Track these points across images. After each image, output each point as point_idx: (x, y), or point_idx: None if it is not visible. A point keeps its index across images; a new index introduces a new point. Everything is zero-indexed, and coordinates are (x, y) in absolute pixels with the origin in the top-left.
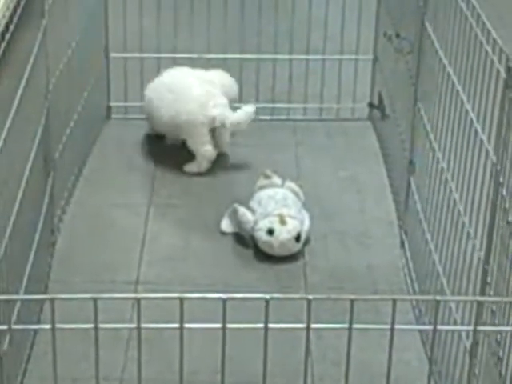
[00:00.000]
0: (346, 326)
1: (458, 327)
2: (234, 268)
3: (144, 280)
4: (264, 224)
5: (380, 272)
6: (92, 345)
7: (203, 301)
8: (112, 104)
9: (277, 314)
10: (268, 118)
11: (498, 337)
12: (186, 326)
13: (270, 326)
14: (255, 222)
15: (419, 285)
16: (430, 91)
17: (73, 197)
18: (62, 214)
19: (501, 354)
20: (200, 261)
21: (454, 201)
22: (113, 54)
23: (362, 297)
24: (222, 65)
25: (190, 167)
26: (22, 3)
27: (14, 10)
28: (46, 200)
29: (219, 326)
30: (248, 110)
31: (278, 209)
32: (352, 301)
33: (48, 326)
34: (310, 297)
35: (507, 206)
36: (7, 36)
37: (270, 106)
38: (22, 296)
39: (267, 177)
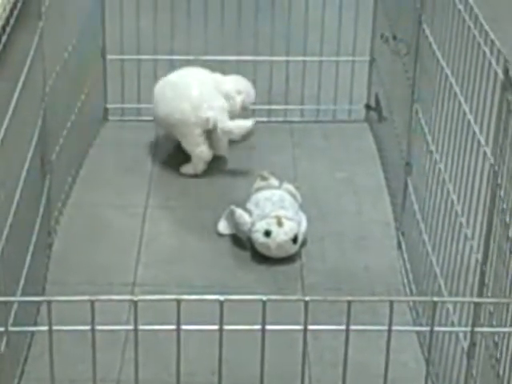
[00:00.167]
0: (343, 327)
1: (456, 328)
2: (231, 270)
3: (141, 282)
4: (261, 226)
5: (377, 273)
6: (89, 346)
7: (200, 302)
8: (109, 106)
9: (274, 315)
10: (265, 119)
11: (496, 338)
12: (183, 327)
13: (267, 327)
14: (252, 224)
15: (416, 286)
16: (428, 93)
17: (70, 198)
18: (59, 216)
19: (498, 355)
20: (197, 262)
21: (452, 202)
22: (110, 56)
23: (359, 298)
24: (218, 67)
25: (186, 169)
26: (19, 5)
27: (11, 11)
28: (43, 202)
29: (216, 327)
30: (245, 123)
31: (275, 210)
32: (349, 302)
33: (45, 328)
34: (307, 298)
35: (505, 207)
36: (4, 38)
37: (267, 107)
38: (18, 298)
39: (264, 178)
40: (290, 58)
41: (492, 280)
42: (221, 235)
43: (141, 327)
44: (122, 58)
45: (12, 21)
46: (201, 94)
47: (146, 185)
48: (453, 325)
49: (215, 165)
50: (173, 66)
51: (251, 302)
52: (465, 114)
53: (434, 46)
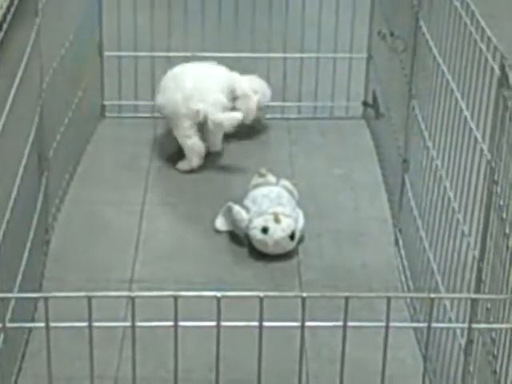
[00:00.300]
0: (341, 323)
1: (453, 325)
2: (229, 266)
3: (138, 278)
4: (258, 222)
5: (374, 270)
6: (86, 343)
7: (198, 299)
8: (106, 103)
9: (271, 312)
10: None
11: (493, 334)
12: (181, 324)
13: (265, 324)
14: (250, 221)
15: (414, 282)
16: (425, 89)
17: (67, 195)
18: (57, 213)
19: (495, 351)
20: (195, 259)
21: (449, 198)
22: (107, 53)
23: (357, 294)
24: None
25: (182, 165)
26: (16, 2)
27: (8, 8)
28: (40, 198)
29: (214, 324)
30: (235, 115)
31: (272, 207)
32: (347, 298)
33: (42, 325)
34: (305, 295)
35: (502, 203)
36: (1, 35)
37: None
38: (15, 294)
39: (262, 175)
40: (288, 55)
41: (489, 276)
42: (218, 232)
43: (138, 324)
44: (120, 55)
45: (9, 17)
46: (194, 87)
47: (143, 181)
48: (450, 321)
49: (212, 161)
50: (170, 63)
51: (248, 298)
52: (461, 110)
53: (431, 43)
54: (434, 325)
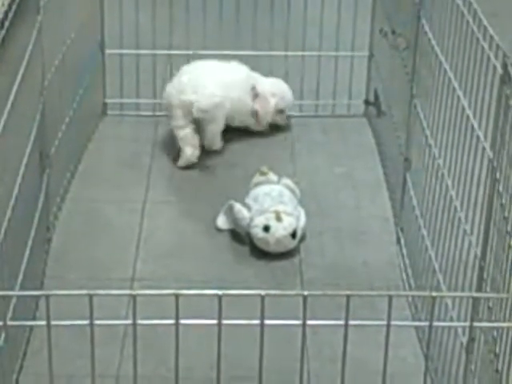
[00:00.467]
0: (342, 322)
1: (454, 323)
2: (230, 265)
3: (140, 277)
4: (260, 221)
5: (376, 268)
6: (88, 342)
7: (199, 297)
8: (108, 101)
9: (273, 310)
10: None
11: (495, 333)
12: (182, 322)
13: (266, 322)
14: (251, 219)
15: (415, 281)
16: (427, 88)
17: (68, 193)
18: (58, 211)
19: (497, 350)
20: (196, 257)
21: (451, 197)
22: (108, 51)
23: (358, 293)
24: None
25: (180, 161)
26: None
27: (9, 6)
28: (42, 197)
29: (215, 322)
30: (216, 100)
31: (273, 205)
32: (348, 297)
33: (43, 323)
34: (306, 293)
35: (503, 202)
36: (2, 32)
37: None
38: (17, 292)
39: (263, 173)
40: (289, 53)
41: (491, 275)
42: (220, 230)
43: (139, 322)
44: (121, 53)
45: (10, 15)
46: (189, 80)
47: (144, 180)
48: (452, 320)
49: (214, 160)
50: (172, 61)
51: (250, 296)
52: (463, 108)
53: (433, 41)
54: (435, 323)
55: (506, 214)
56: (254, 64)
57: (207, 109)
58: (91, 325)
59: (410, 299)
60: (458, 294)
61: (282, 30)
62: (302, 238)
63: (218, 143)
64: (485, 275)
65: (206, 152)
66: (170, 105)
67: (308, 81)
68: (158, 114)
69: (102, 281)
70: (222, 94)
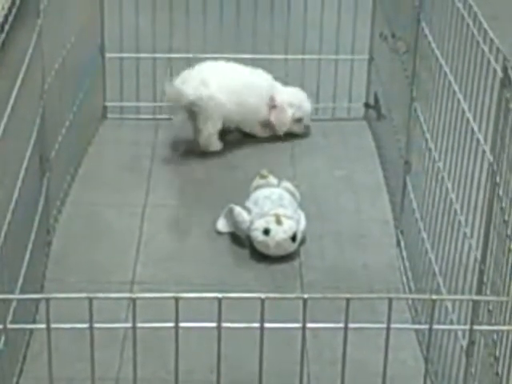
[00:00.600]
0: (342, 325)
1: (454, 326)
2: (230, 268)
3: (140, 280)
4: (260, 224)
5: (376, 271)
6: (88, 345)
7: (199, 301)
8: (108, 104)
9: (273, 313)
10: None
11: (495, 336)
12: (181, 325)
13: (266, 325)
14: (251, 222)
15: (415, 284)
16: (427, 91)
17: (68, 197)
18: (58, 214)
19: (497, 353)
20: (196, 260)
21: (451, 200)
22: (109, 54)
23: (358, 296)
24: None
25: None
26: (18, 3)
27: (9, 10)
28: (42, 200)
29: (214, 325)
30: (202, 94)
31: (274, 209)
32: (348, 300)
33: (43, 326)
34: (306, 296)
35: (503, 205)
36: (2, 36)
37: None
38: (16, 295)
39: (263, 177)
40: (289, 57)
41: (491, 278)
42: (220, 233)
43: (139, 325)
44: (121, 56)
45: (10, 18)
46: (197, 73)
47: (144, 183)
48: (452, 323)
49: (214, 163)
50: (172, 64)
51: (250, 300)
52: (464, 112)
53: (433, 44)
54: (435, 326)
55: (506, 218)
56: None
57: (194, 101)
58: (91, 328)
59: (410, 302)
60: (458, 297)
61: (282, 33)
62: (302, 241)
63: (214, 144)
64: (485, 278)
65: (205, 155)
66: (174, 97)
67: (308, 84)
68: (158, 117)
69: (102, 284)
70: (224, 97)
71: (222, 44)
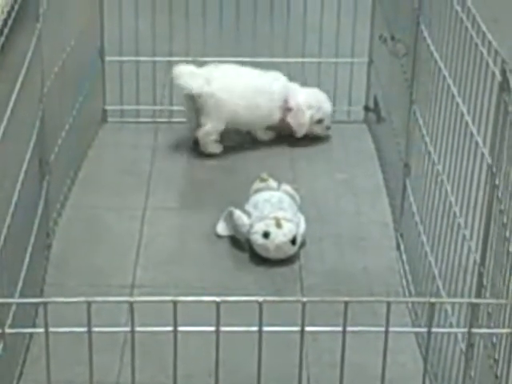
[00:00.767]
0: (340, 328)
1: (453, 329)
2: (230, 271)
3: (140, 284)
4: (260, 227)
5: (376, 275)
6: (87, 348)
7: (199, 304)
8: (108, 107)
9: (273, 317)
10: None
11: (494, 339)
12: (180, 329)
13: (264, 329)
14: (251, 225)
15: (415, 287)
16: (426, 94)
17: (68, 200)
18: (58, 218)
19: (496, 356)
20: (196, 264)
21: (450, 203)
22: (108, 58)
23: (356, 299)
24: None
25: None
26: (17, 7)
27: (9, 14)
28: (42, 203)
29: (213, 328)
30: (205, 90)
31: (273, 212)
32: (346, 303)
33: (41, 330)
34: (304, 299)
35: (503, 207)
36: (2, 40)
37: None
38: (14, 300)
39: (263, 180)
40: (289, 60)
41: (490, 281)
42: (219, 237)
43: (137, 329)
44: (121, 60)
45: (10, 22)
46: (208, 72)
47: (144, 186)
48: (451, 326)
49: (214, 166)
50: (171, 68)
51: (249, 303)
52: (463, 115)
53: (432, 47)
54: (434, 329)
55: (505, 220)
56: None
57: (194, 93)
58: (89, 332)
59: (410, 305)
60: (457, 300)
61: (282, 36)
62: (302, 245)
63: (212, 146)
64: (484, 281)
65: (205, 158)
66: (183, 92)
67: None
68: (157, 120)
69: (101, 287)
70: (227, 97)
71: (222, 47)
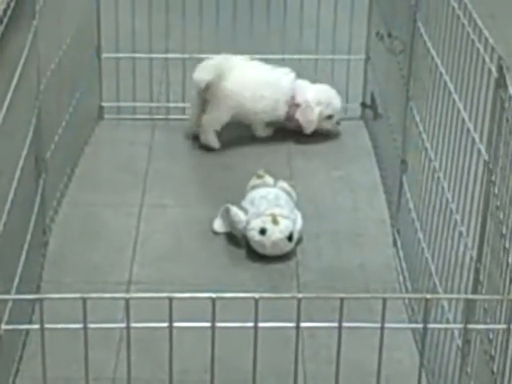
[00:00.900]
0: (336, 324)
1: (449, 325)
2: (227, 268)
3: (136, 280)
4: (256, 224)
5: (372, 271)
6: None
7: (195, 301)
8: (104, 104)
9: (269, 313)
10: None
11: (490, 335)
12: (175, 325)
13: (260, 325)
14: (247, 222)
15: (412, 284)
16: (423, 90)
17: (65, 197)
18: (54, 215)
19: (493, 352)
20: (192, 261)
21: (446, 200)
22: (105, 55)
23: (352, 295)
24: None
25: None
26: (13, 4)
27: (4, 11)
28: (38, 200)
29: (208, 324)
30: (215, 83)
31: (270, 208)
32: (342, 299)
33: (37, 326)
34: (300, 295)
35: (499, 204)
36: None
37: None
38: (10, 296)
39: (259, 176)
40: (286, 57)
41: (487, 277)
42: (216, 233)
43: (133, 325)
44: (118, 57)
45: (6, 20)
46: (218, 62)
47: (141, 183)
48: (448, 322)
49: (210, 163)
50: (168, 65)
51: (244, 299)
52: (459, 111)
53: (429, 44)
54: (430, 326)
55: (501, 217)
56: None
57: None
58: (85, 328)
59: (406, 302)
60: (452, 296)
61: (279, 33)
62: (299, 241)
63: (212, 138)
64: (480, 277)
65: (202, 155)
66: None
67: None
68: (154, 117)
69: (98, 284)
70: (236, 90)
71: (219, 43)
